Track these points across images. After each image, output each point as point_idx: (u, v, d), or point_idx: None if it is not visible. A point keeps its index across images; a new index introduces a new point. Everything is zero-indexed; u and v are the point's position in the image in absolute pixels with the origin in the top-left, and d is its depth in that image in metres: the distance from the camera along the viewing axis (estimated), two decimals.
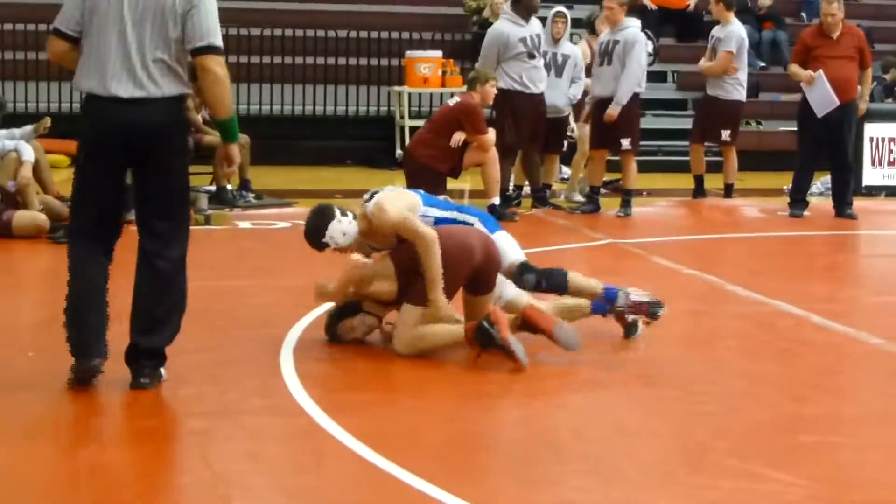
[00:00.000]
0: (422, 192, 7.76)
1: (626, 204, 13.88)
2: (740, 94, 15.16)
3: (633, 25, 13.86)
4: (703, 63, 15.33)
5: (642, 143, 18.73)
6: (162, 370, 6.59)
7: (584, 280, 7.50)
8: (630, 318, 7.59)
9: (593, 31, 15.13)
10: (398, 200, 7.35)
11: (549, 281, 7.42)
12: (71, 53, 6.50)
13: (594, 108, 13.95)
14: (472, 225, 7.52)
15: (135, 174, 6.53)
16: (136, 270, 6.51)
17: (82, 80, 6.47)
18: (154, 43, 6.32)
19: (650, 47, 17.73)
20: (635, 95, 13.76)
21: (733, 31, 15.03)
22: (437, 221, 7.44)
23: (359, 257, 7.34)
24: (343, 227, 7.36)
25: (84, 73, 6.44)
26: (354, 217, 7.42)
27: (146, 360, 6.50)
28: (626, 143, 13.73)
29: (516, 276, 7.47)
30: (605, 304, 7.47)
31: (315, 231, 7.42)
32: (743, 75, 15.13)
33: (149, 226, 6.53)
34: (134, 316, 6.53)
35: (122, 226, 6.61)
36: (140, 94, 6.35)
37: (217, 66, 6.36)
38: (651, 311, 7.45)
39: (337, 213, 7.41)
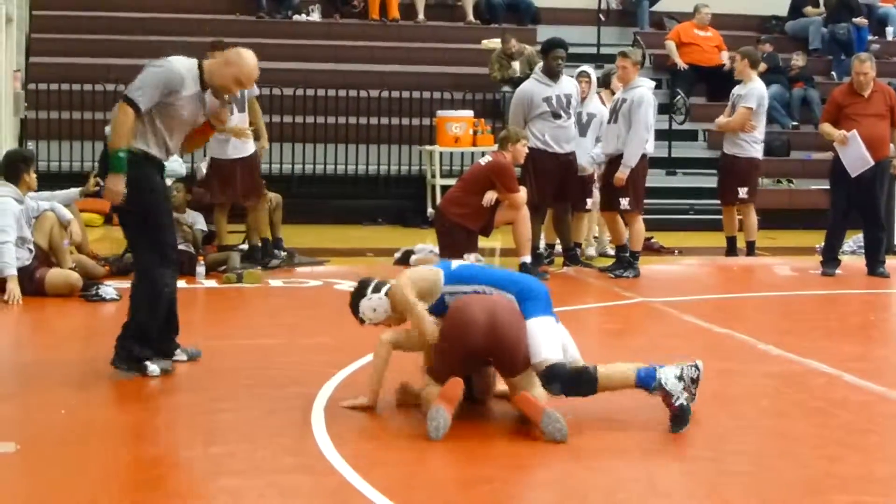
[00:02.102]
0: (452, 265, 7.51)
1: (628, 265, 13.55)
2: (757, 151, 15.12)
3: (644, 85, 13.79)
4: (721, 119, 15.26)
5: (674, 201, 18.92)
6: (147, 364, 8.13)
7: (614, 378, 7.06)
8: (677, 403, 7.02)
9: (608, 87, 15.12)
10: (417, 282, 7.29)
11: (578, 391, 7.06)
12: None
13: (604, 166, 13.88)
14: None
15: None
16: None
17: None
18: None
19: (683, 107, 17.78)
20: (642, 156, 13.65)
21: (754, 89, 15.02)
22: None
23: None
24: (372, 303, 7.40)
25: None
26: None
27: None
28: (624, 202, 13.54)
29: (543, 380, 7.10)
30: (648, 381, 7.03)
31: (353, 308, 7.52)
32: (760, 133, 15.10)
33: None
34: None
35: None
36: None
37: (118, 109, 7.99)
38: (677, 418, 6.95)
39: (369, 289, 7.43)
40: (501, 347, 7.02)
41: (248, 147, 13.60)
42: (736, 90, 15.23)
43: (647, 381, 7.05)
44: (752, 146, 15.02)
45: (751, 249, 15.20)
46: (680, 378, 7.03)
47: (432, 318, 7.21)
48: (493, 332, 6.98)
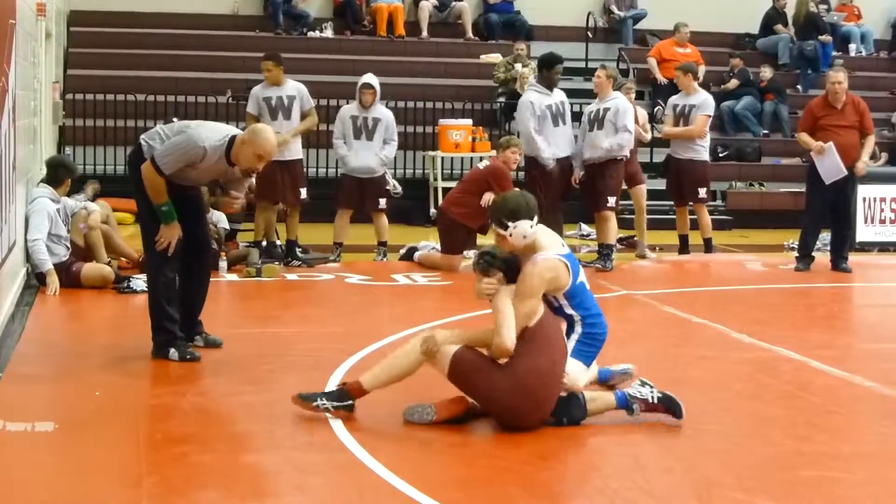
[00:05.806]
0: (579, 277, 7.39)
1: (607, 257, 13.66)
2: (707, 154, 15.08)
3: (619, 96, 13.91)
4: (670, 129, 15.09)
5: (656, 202, 18.73)
6: (170, 350, 8.17)
7: (597, 405, 6.84)
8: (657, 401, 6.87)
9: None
10: (551, 279, 7.05)
11: (570, 420, 6.76)
12: None
13: (585, 170, 13.76)
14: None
15: None
16: None
17: None
18: None
19: (663, 117, 17.69)
20: (620, 160, 13.74)
21: (709, 99, 15.03)
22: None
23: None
24: (523, 229, 6.98)
25: None
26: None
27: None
28: (612, 201, 13.64)
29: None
30: (625, 402, 6.87)
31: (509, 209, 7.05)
32: (707, 139, 15.08)
33: None
34: None
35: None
36: None
37: (148, 169, 7.95)
38: (668, 408, 6.84)
39: (516, 213, 6.98)
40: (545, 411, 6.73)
41: (291, 153, 13.55)
42: (677, 100, 15.09)
43: (623, 401, 6.82)
44: (705, 150, 15.00)
45: (708, 246, 15.14)
46: (643, 384, 6.92)
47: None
48: (536, 407, 6.67)
